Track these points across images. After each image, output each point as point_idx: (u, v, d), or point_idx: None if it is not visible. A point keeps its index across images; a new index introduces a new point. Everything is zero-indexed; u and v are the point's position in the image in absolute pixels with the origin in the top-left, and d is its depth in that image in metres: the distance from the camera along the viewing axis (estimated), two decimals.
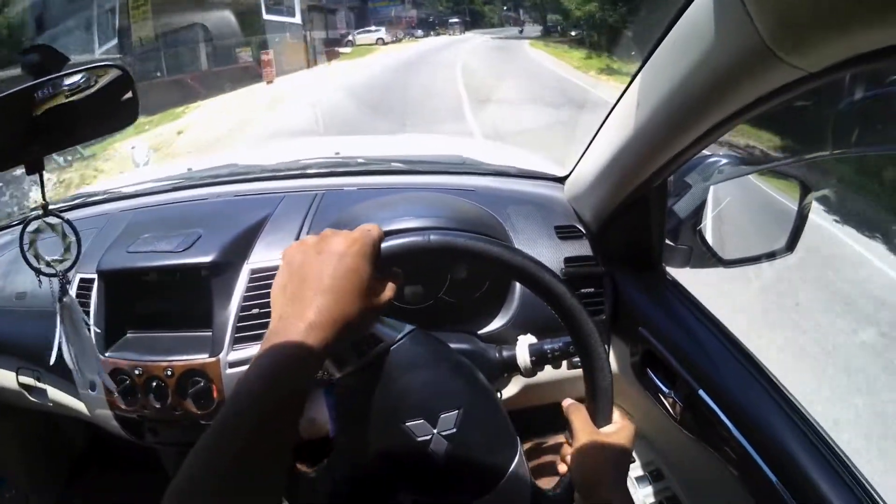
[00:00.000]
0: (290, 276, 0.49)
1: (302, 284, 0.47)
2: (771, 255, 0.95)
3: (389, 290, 0.52)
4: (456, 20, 31.71)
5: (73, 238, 0.70)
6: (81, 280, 0.94)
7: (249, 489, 0.40)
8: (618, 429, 0.59)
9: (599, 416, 0.59)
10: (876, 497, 0.59)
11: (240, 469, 0.40)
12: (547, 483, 0.64)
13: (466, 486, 0.57)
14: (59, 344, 0.96)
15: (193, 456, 0.40)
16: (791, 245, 0.92)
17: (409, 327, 0.58)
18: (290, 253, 0.51)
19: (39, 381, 1.06)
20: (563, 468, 0.62)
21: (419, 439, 0.55)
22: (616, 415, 0.61)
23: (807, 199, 0.91)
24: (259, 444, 0.41)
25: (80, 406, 1.00)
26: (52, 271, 0.70)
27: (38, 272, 0.69)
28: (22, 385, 1.09)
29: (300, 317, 0.45)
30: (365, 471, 0.58)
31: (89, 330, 0.83)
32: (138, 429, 0.93)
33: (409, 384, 0.56)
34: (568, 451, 0.61)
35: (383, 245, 0.53)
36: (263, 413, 0.41)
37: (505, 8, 33.32)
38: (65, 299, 0.72)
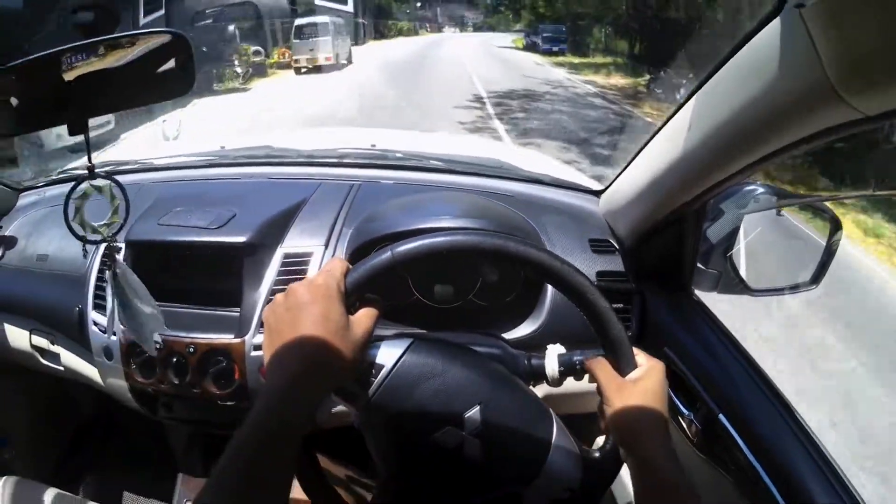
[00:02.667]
0: (271, 336, 0.52)
1: (281, 344, 0.50)
2: (795, 288, 0.96)
3: (368, 319, 0.54)
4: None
5: (121, 200, 0.69)
6: (116, 246, 0.94)
7: None
8: (644, 371, 0.58)
9: (622, 364, 0.58)
10: None
11: (241, 496, 0.44)
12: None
13: (514, 477, 0.57)
14: (92, 309, 0.96)
15: (205, 486, 0.44)
16: (817, 279, 0.93)
17: (405, 342, 0.58)
18: (267, 315, 0.53)
19: (53, 344, 1.06)
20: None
21: (452, 448, 0.55)
22: (641, 357, 0.59)
23: (836, 235, 0.92)
24: (256, 481, 0.45)
25: (92, 373, 1.00)
26: (99, 237, 0.68)
27: (83, 240, 0.68)
28: (34, 347, 1.09)
29: (282, 377, 0.48)
30: (414, 494, 0.58)
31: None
32: (152, 403, 0.94)
33: (422, 397, 0.55)
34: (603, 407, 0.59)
35: (348, 279, 0.54)
36: (256, 466, 0.45)
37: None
38: (116, 263, 0.70)
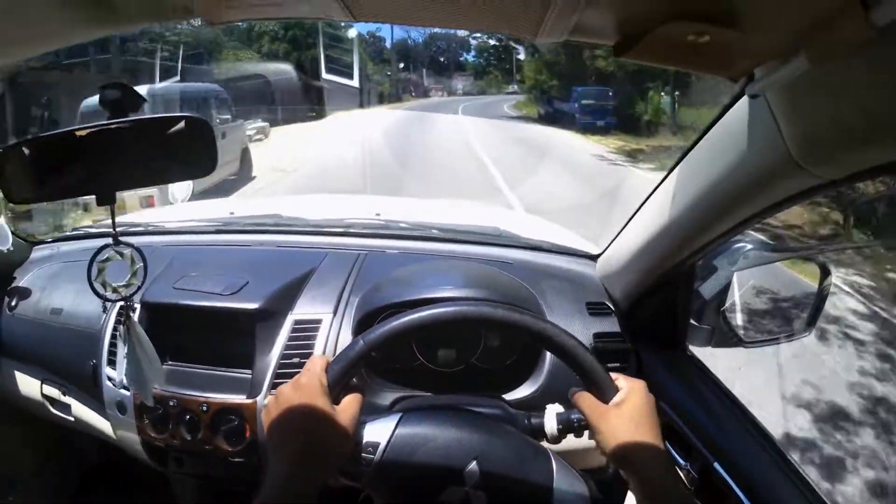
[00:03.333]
0: (269, 439, 0.58)
1: (276, 444, 0.56)
2: (790, 336, 0.98)
3: (353, 406, 0.60)
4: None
5: (140, 264, 0.73)
6: (122, 307, 0.98)
7: None
8: (626, 394, 0.60)
9: (602, 391, 0.60)
10: None
11: None
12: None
13: None
14: (106, 365, 0.98)
15: None
16: (810, 325, 0.96)
17: (396, 417, 0.62)
18: (263, 418, 0.60)
19: (64, 395, 1.09)
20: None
21: (457, 503, 0.58)
22: (621, 381, 0.61)
23: (826, 281, 0.95)
24: None
25: (104, 426, 1.02)
26: (118, 296, 0.72)
27: (104, 299, 0.72)
28: (45, 396, 1.11)
29: (278, 473, 0.54)
30: None
31: None
32: (163, 457, 0.96)
33: (420, 463, 0.60)
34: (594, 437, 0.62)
35: (329, 374, 0.60)
36: None
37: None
38: (130, 321, 0.74)
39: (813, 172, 0.49)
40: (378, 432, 0.60)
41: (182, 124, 0.68)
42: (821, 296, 0.95)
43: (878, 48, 0.34)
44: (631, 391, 0.61)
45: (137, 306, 0.95)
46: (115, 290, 0.72)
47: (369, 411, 0.65)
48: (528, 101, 21.38)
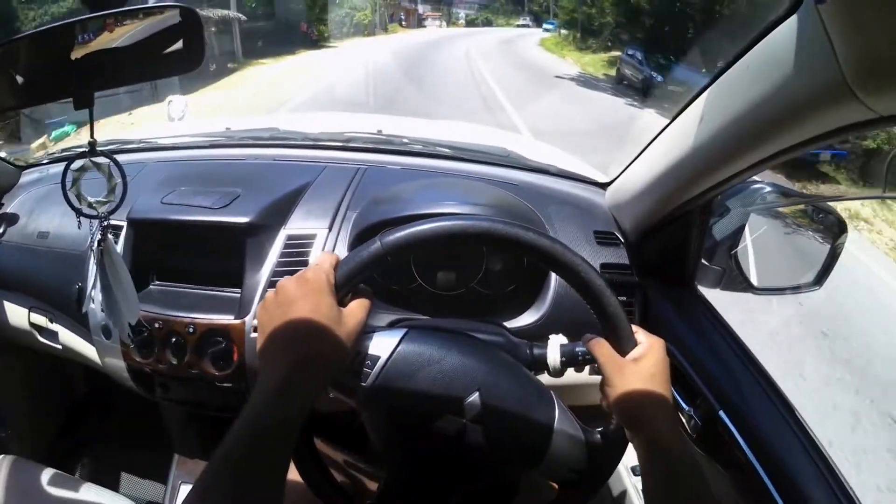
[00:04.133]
0: (263, 333, 0.52)
1: (273, 340, 0.51)
2: (797, 288, 0.95)
3: (360, 310, 0.54)
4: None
5: (118, 180, 0.69)
6: (109, 225, 0.94)
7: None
8: (644, 350, 0.57)
9: (621, 343, 0.57)
10: None
11: (237, 489, 0.44)
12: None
13: (518, 461, 0.57)
14: (91, 288, 0.96)
15: (200, 478, 0.45)
16: (819, 281, 0.93)
17: (400, 332, 0.58)
18: (259, 313, 0.54)
19: (52, 322, 1.06)
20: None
21: (454, 435, 0.55)
22: (640, 335, 0.59)
23: (840, 238, 0.91)
24: (252, 475, 0.45)
25: (90, 352, 0.99)
26: (94, 213, 0.68)
27: (78, 213, 0.68)
28: (33, 324, 1.08)
29: (278, 370, 0.49)
30: (421, 482, 0.58)
31: None
32: (149, 383, 0.93)
33: (420, 385, 0.55)
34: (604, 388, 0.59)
35: (338, 272, 0.54)
36: (251, 455, 0.46)
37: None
38: (105, 242, 0.70)
39: (865, 102, 0.44)
40: (380, 346, 0.56)
41: (175, 15, 0.62)
42: (833, 253, 0.92)
43: None
44: (650, 348, 0.57)
45: (123, 224, 0.91)
46: (91, 206, 0.69)
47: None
48: (565, 41, 15.74)
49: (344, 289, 0.54)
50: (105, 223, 0.70)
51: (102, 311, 0.92)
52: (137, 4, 0.64)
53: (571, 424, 0.59)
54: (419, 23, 23.51)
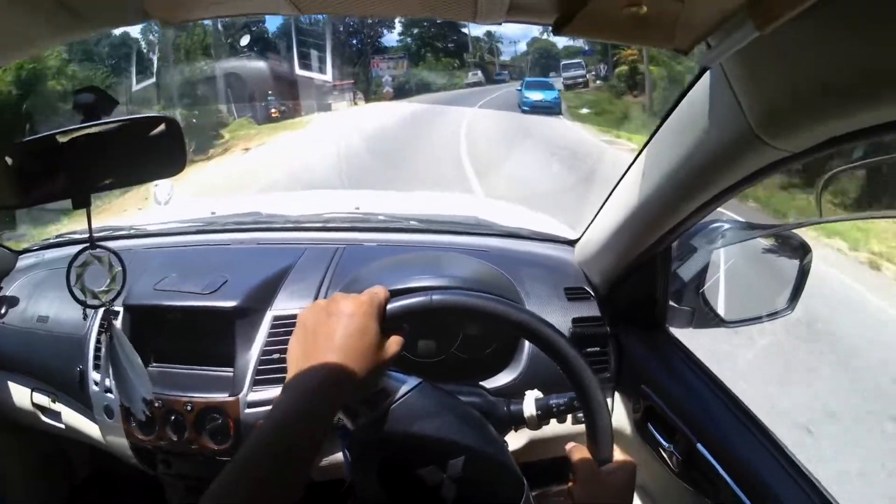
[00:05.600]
0: (305, 335, 0.54)
1: (315, 344, 0.53)
2: (773, 315, 0.98)
3: (396, 346, 0.57)
4: None
5: (118, 268, 0.73)
6: (105, 312, 0.98)
7: None
8: (618, 466, 0.61)
9: (600, 454, 0.61)
10: None
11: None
12: None
13: None
14: (93, 370, 0.99)
15: (208, 496, 0.44)
16: (791, 303, 0.95)
17: (416, 380, 0.62)
18: (305, 315, 0.56)
19: (54, 402, 1.09)
20: None
21: (430, 486, 0.58)
22: (616, 452, 0.62)
23: (806, 258, 0.95)
24: (270, 489, 0.45)
25: (94, 431, 1.02)
26: (98, 302, 0.72)
27: (84, 304, 0.72)
28: (36, 405, 1.12)
29: (313, 374, 0.50)
30: None
31: None
32: (151, 459, 0.96)
33: (417, 433, 0.59)
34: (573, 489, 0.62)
35: (389, 306, 0.58)
36: (276, 461, 0.46)
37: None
38: (112, 328, 0.74)
39: (774, 146, 0.49)
40: (395, 385, 0.60)
41: (162, 126, 0.69)
42: (802, 273, 0.95)
43: (823, 8, 0.34)
44: (624, 466, 0.61)
45: (119, 310, 0.96)
46: (94, 296, 0.73)
47: None
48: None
49: (391, 322, 0.58)
50: (110, 309, 0.74)
51: (106, 392, 0.96)
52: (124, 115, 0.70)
53: None
54: (321, 105, 13.90)
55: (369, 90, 16.47)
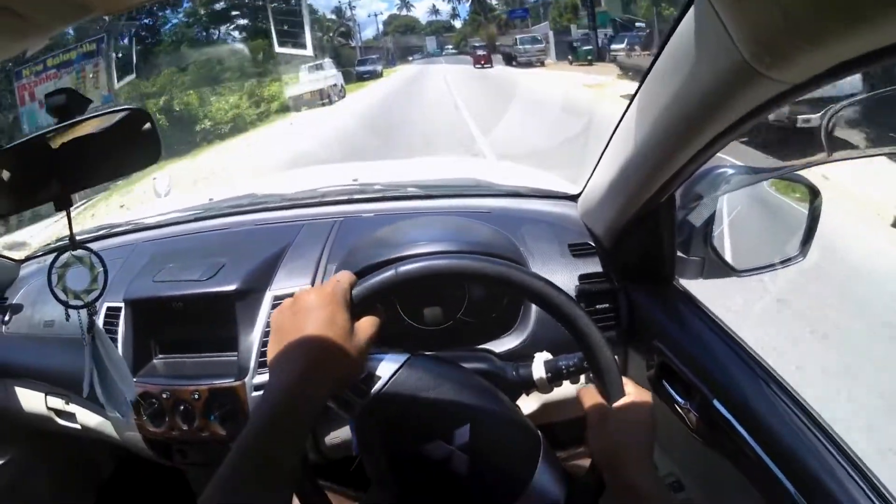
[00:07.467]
0: (278, 338, 0.54)
1: (286, 345, 0.52)
2: (785, 262, 0.95)
3: (371, 327, 0.56)
4: None
5: (100, 269, 0.74)
6: (109, 309, 0.98)
7: None
8: (630, 402, 0.58)
9: (610, 392, 0.59)
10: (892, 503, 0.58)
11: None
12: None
13: (499, 493, 0.58)
14: (90, 373, 0.99)
15: (209, 489, 0.46)
16: (804, 248, 0.92)
17: (403, 357, 0.60)
18: (273, 318, 0.56)
19: (68, 404, 1.10)
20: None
21: (438, 460, 0.57)
22: (629, 387, 0.60)
23: (816, 201, 0.91)
24: (254, 499, 0.46)
25: (108, 429, 1.03)
26: (80, 303, 0.73)
27: (66, 305, 0.72)
28: (51, 409, 1.13)
29: (288, 376, 0.50)
30: (402, 501, 0.60)
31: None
32: (167, 450, 0.97)
33: (414, 410, 0.58)
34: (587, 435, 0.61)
35: (354, 290, 0.57)
36: (258, 471, 0.46)
37: None
38: (94, 329, 0.75)
39: (771, 77, 0.45)
40: (382, 368, 0.59)
41: (132, 115, 0.68)
42: (812, 217, 0.92)
43: None
44: (637, 402, 0.59)
45: (121, 305, 0.96)
46: (77, 296, 0.73)
47: None
48: None
49: (358, 306, 0.57)
50: (91, 311, 0.74)
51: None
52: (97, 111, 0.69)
53: (555, 463, 0.61)
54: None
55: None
